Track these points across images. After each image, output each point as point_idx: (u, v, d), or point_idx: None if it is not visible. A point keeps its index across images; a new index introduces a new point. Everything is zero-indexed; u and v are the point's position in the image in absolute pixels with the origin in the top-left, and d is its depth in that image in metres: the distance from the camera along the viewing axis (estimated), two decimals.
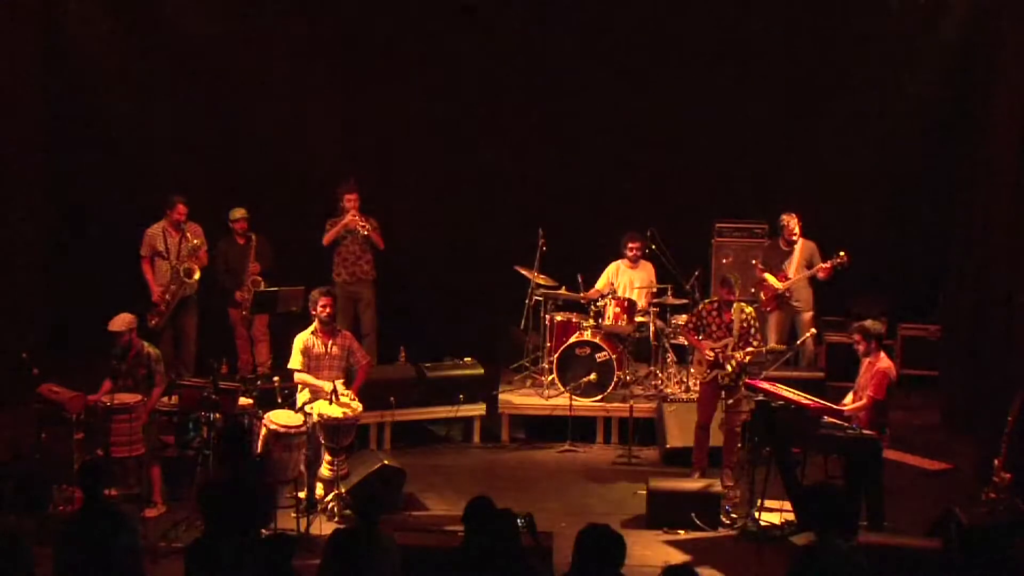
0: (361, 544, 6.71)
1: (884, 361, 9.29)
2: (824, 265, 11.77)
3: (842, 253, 11.61)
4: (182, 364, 11.50)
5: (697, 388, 10.69)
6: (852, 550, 6.52)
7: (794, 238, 11.96)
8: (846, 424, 9.12)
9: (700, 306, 10.36)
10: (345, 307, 12.03)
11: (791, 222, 11.96)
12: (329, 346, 9.90)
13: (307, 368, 9.87)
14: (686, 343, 11.57)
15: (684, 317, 11.49)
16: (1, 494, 8.99)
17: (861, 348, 9.38)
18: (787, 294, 11.98)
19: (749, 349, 9.94)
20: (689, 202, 12.95)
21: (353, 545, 6.72)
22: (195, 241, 11.54)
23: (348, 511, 9.17)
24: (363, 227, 11.85)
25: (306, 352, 9.90)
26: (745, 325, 10.00)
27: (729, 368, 9.94)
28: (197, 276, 11.52)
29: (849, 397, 9.50)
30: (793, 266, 11.99)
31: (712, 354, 10.00)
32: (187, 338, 11.62)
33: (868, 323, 9.58)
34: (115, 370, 9.51)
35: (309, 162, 12.95)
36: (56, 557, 6.68)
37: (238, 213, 11.89)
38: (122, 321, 9.54)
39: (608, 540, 5.89)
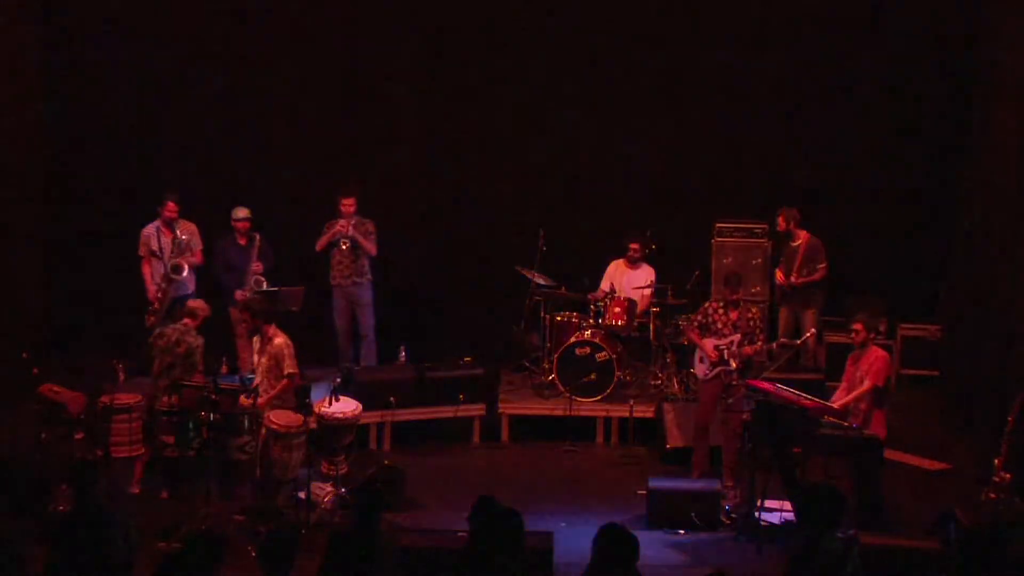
0: (361, 544, 6.71)
1: (879, 351, 9.36)
2: (792, 279, 11.79)
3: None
4: None
5: (698, 388, 10.69)
6: (847, 548, 6.53)
7: (781, 231, 11.98)
8: (846, 424, 9.12)
9: (706, 304, 10.35)
10: (343, 309, 12.06)
11: (779, 218, 11.99)
12: (260, 352, 9.83)
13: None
14: (686, 343, 11.56)
15: (685, 317, 11.49)
16: (1, 494, 9.00)
17: (860, 338, 9.43)
18: (791, 291, 11.98)
19: (756, 346, 9.99)
20: (689, 202, 12.95)
21: (353, 545, 6.72)
22: (184, 238, 11.52)
23: (348, 511, 9.18)
24: (345, 242, 11.78)
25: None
26: (751, 324, 10.02)
27: (734, 364, 9.95)
28: (186, 272, 11.45)
29: (837, 395, 9.54)
30: (796, 264, 11.98)
31: (716, 352, 10.00)
32: None
33: (870, 313, 9.63)
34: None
35: (309, 162, 12.94)
36: (48, 556, 6.68)
37: (241, 213, 11.80)
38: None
39: (623, 540, 5.92)
